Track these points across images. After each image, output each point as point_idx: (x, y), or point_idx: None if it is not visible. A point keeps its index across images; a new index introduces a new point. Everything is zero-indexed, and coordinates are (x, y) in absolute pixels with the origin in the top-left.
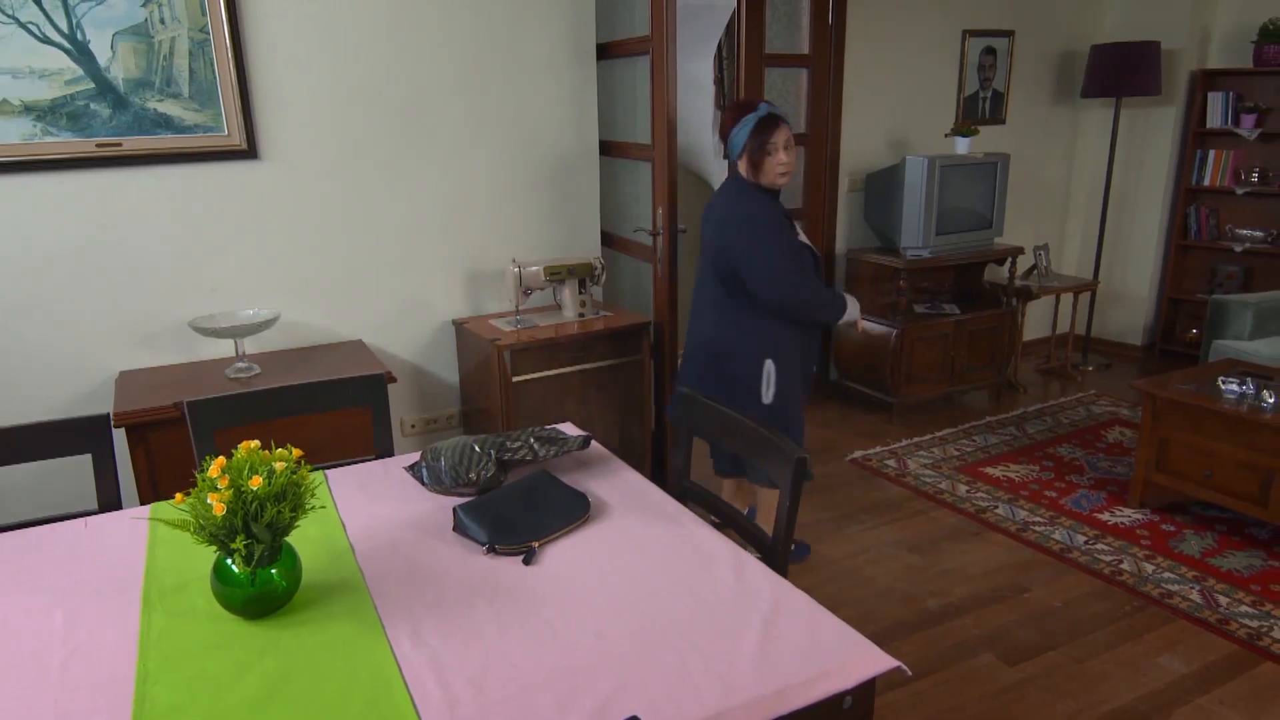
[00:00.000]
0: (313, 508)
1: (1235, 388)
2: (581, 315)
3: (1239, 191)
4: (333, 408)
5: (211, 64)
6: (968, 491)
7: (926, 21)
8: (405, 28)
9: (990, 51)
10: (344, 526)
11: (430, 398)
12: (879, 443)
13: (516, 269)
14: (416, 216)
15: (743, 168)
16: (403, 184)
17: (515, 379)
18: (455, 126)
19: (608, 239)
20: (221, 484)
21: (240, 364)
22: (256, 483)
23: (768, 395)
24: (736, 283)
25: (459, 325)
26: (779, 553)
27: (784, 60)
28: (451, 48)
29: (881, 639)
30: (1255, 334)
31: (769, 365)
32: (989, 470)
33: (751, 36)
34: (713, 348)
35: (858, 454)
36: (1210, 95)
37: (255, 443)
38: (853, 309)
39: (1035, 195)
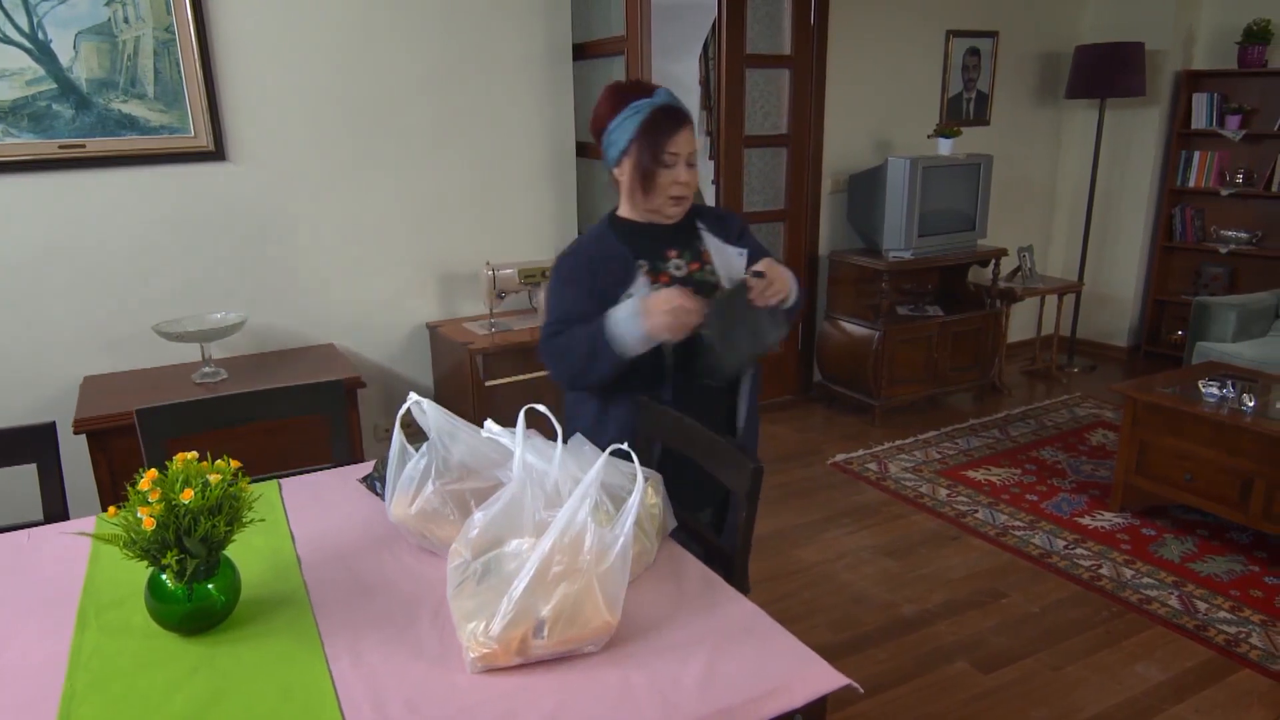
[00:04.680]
0: (251, 521)
1: (1216, 391)
2: None
3: (1224, 193)
4: (290, 415)
5: (177, 64)
6: (948, 495)
7: (909, 22)
8: (375, 27)
9: (974, 52)
10: (293, 538)
11: (403, 401)
12: (861, 445)
13: (490, 272)
14: (388, 218)
15: (621, 181)
16: (374, 185)
17: (488, 383)
18: (428, 127)
19: None
20: (153, 497)
21: (207, 369)
22: (188, 496)
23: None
24: None
25: (433, 329)
26: (737, 566)
27: (765, 61)
28: (423, 47)
29: (856, 646)
30: (1238, 336)
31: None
32: (970, 473)
33: (732, 37)
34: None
35: (839, 457)
36: (1195, 96)
37: (193, 454)
38: (631, 324)
39: (1020, 196)
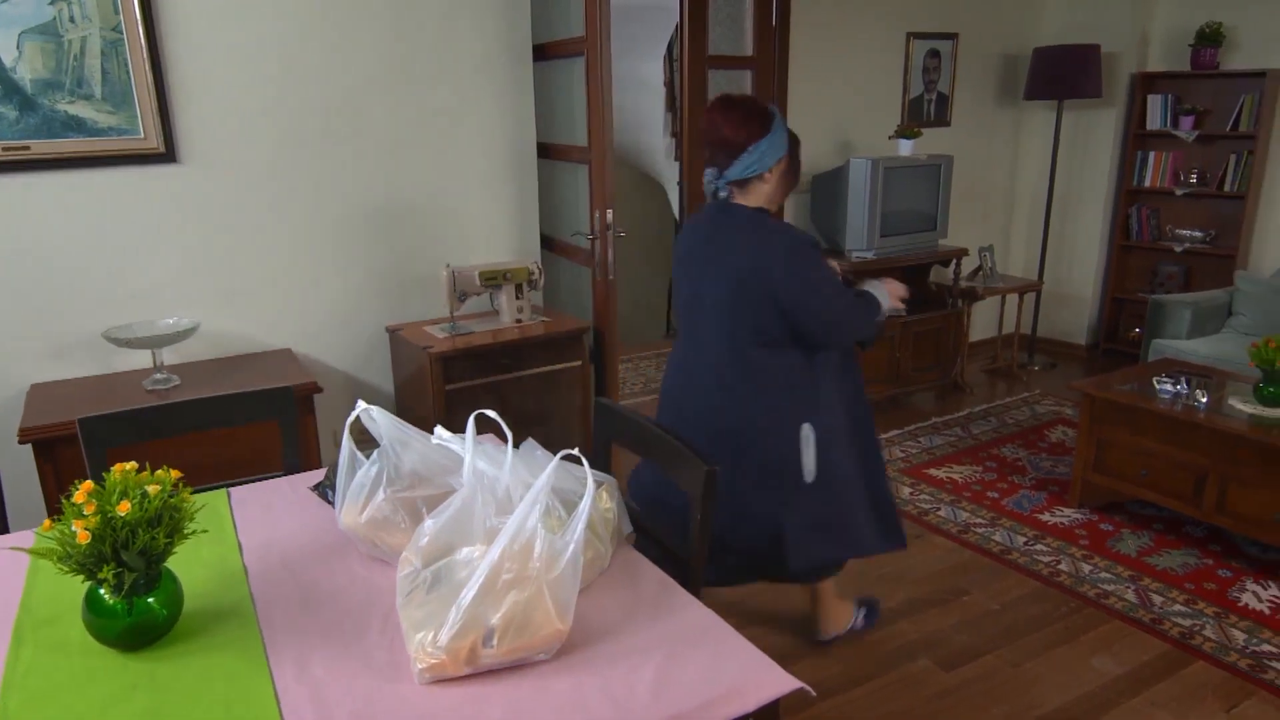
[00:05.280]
0: (193, 532)
1: (1170, 388)
2: (519, 321)
3: (1178, 192)
4: (239, 422)
5: (125, 65)
6: (911, 494)
7: (870, 24)
8: (332, 26)
9: (934, 54)
10: (240, 548)
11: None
12: None
13: (450, 274)
14: (346, 220)
15: (765, 188)
16: (331, 187)
17: (449, 387)
18: (386, 128)
19: (549, 243)
20: (88, 510)
21: (158, 375)
22: (125, 508)
23: (809, 472)
24: (769, 334)
25: (392, 332)
26: (694, 569)
27: (727, 62)
28: (381, 47)
29: (819, 646)
30: (1193, 333)
31: (807, 431)
32: (933, 472)
33: (694, 38)
34: (741, 424)
35: None
36: (1150, 97)
37: (131, 465)
38: (883, 297)
39: (981, 196)
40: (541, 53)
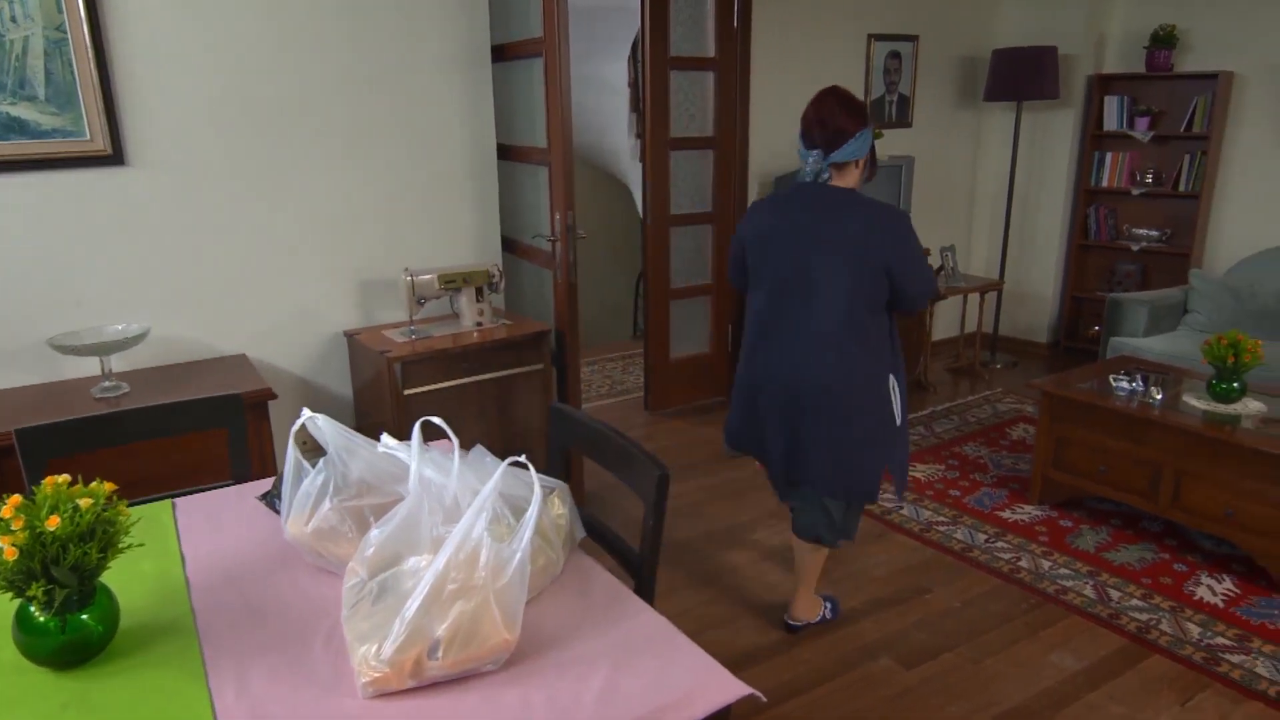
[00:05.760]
0: (129, 546)
1: (1126, 385)
2: (479, 324)
3: (1134, 192)
4: (185, 431)
5: (70, 65)
6: None
7: (832, 25)
8: (285, 25)
9: (895, 56)
10: (183, 561)
11: (322, 412)
12: None
13: (409, 278)
14: (303, 223)
15: (856, 173)
16: (287, 189)
17: (407, 392)
18: (343, 129)
19: (510, 245)
20: (15, 525)
21: (107, 383)
22: (54, 523)
23: (899, 415)
24: (882, 295)
25: (350, 337)
26: (645, 574)
27: (689, 63)
28: (336, 47)
29: (782, 647)
30: (1150, 331)
31: (892, 382)
32: None
33: (655, 39)
34: (849, 381)
35: None
36: (1106, 99)
37: (64, 477)
38: None
39: (942, 197)
40: (501, 53)
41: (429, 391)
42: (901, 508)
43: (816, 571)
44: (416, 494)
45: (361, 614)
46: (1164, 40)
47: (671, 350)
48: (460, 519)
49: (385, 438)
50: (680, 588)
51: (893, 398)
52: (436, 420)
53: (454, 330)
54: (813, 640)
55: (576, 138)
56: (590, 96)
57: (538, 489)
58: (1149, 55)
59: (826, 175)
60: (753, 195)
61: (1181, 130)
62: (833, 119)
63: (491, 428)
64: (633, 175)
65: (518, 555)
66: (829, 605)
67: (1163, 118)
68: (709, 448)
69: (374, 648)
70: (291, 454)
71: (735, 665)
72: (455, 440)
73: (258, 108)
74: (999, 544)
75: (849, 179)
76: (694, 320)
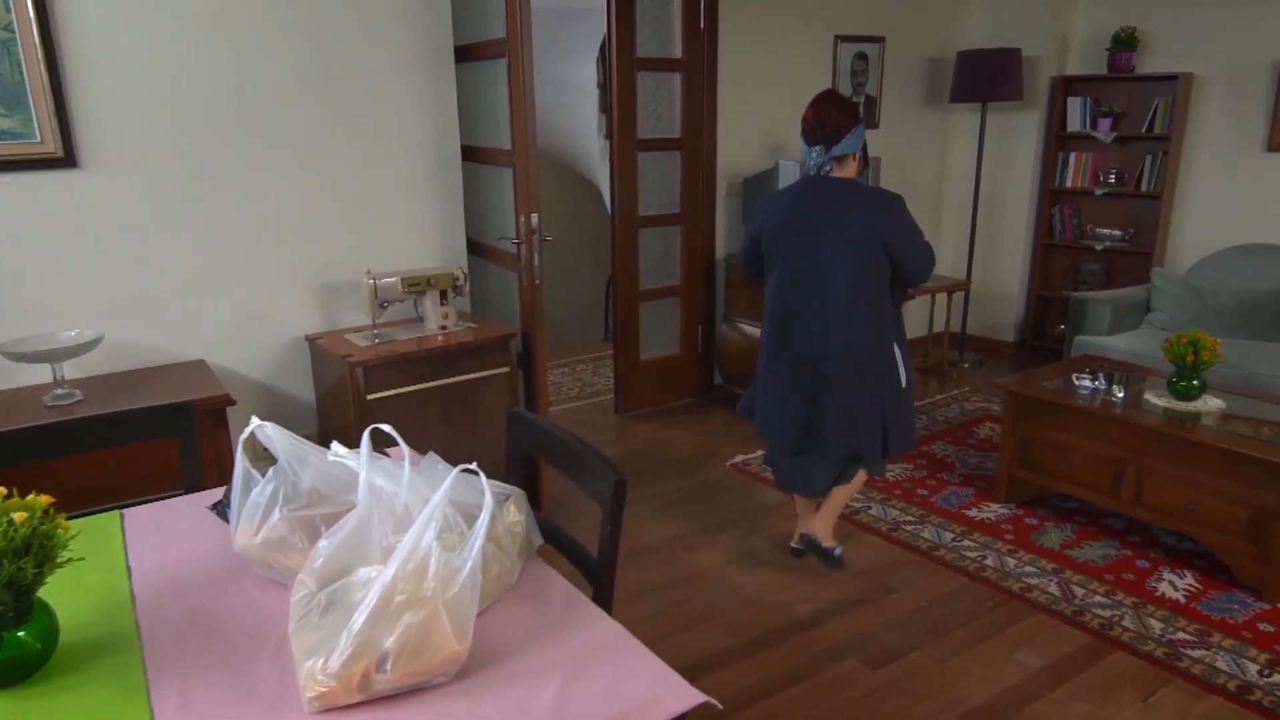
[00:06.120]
0: (68, 560)
1: (1088, 384)
2: (444, 328)
3: (1098, 192)
4: (133, 440)
5: (19, 65)
6: None
7: (798, 27)
8: (241, 25)
9: (862, 57)
10: (129, 573)
11: (285, 419)
12: (759, 446)
13: (371, 281)
14: (262, 226)
15: (853, 165)
16: (245, 191)
17: (370, 396)
18: (302, 130)
19: (476, 247)
20: None
21: (59, 391)
22: None
23: (905, 377)
24: (885, 273)
25: (312, 341)
26: (603, 580)
27: (656, 64)
28: (295, 48)
29: (749, 649)
30: (1113, 329)
31: (897, 350)
32: None
33: (622, 39)
34: (859, 350)
35: (738, 459)
36: (1070, 100)
37: (0, 490)
38: None
39: (909, 197)
40: (464, 54)
41: (392, 396)
42: (870, 507)
43: (841, 506)
44: (366, 503)
45: (309, 626)
46: (1125, 42)
47: (641, 352)
48: (411, 528)
49: (335, 446)
50: (649, 590)
51: (899, 364)
52: (385, 428)
53: (418, 334)
54: (781, 642)
55: (547, 139)
56: (560, 97)
57: (489, 496)
58: (1110, 57)
59: (828, 168)
60: (721, 196)
61: (1143, 131)
62: (831, 118)
63: (457, 432)
64: (603, 176)
65: (468, 565)
66: (838, 548)
67: (1125, 119)
68: (678, 449)
69: (321, 661)
70: (240, 463)
71: (703, 668)
72: (405, 448)
73: (214, 109)
74: (965, 542)
75: (848, 170)
76: (663, 322)
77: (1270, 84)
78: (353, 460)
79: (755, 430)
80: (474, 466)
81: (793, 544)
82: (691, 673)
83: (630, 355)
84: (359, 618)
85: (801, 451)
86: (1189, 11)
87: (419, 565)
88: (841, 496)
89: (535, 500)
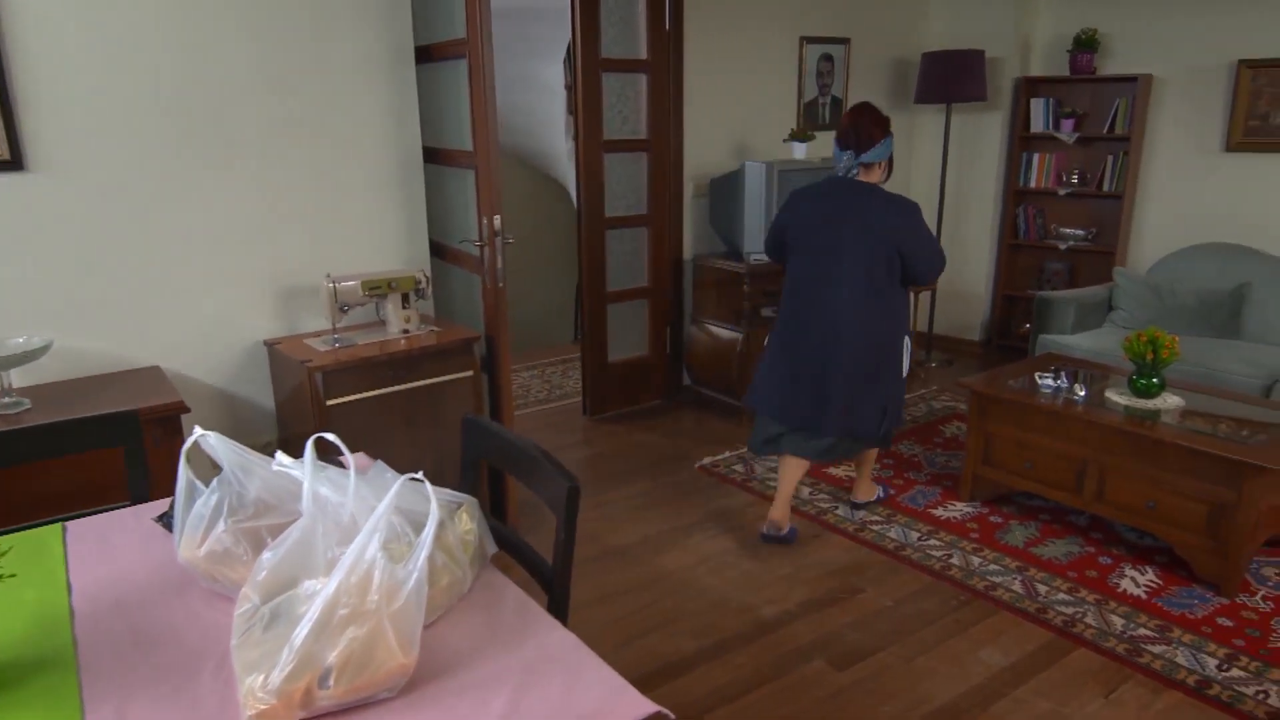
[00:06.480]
0: (0, 577)
1: (1051, 382)
2: (406, 331)
3: (1061, 193)
4: (78, 450)
5: None
6: (810, 493)
7: (764, 28)
8: (196, 26)
9: (828, 58)
10: (69, 588)
11: (244, 424)
12: (728, 448)
13: (331, 284)
14: (219, 229)
15: (879, 172)
16: (201, 195)
17: (330, 402)
18: (260, 132)
19: (440, 250)
20: None
21: (6, 399)
22: None
23: (906, 367)
24: (898, 271)
25: (271, 346)
26: (558, 588)
27: (622, 65)
28: (252, 47)
29: (716, 652)
30: (1077, 328)
31: (906, 341)
32: (832, 470)
33: (587, 40)
34: (875, 339)
35: (706, 460)
36: (1033, 101)
37: None
38: None
39: None
40: (426, 54)
41: (354, 401)
42: (837, 508)
43: (870, 464)
44: (311, 514)
45: (252, 642)
46: (1086, 44)
47: (610, 354)
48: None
49: (280, 455)
50: (617, 593)
51: (904, 354)
52: (330, 437)
53: (380, 338)
54: (747, 645)
55: (516, 140)
56: (529, 98)
57: (434, 506)
58: (1072, 58)
59: (855, 171)
60: (688, 197)
61: (1104, 132)
62: (865, 128)
63: (420, 437)
64: (571, 177)
65: (414, 576)
66: (882, 489)
67: (1087, 119)
68: (646, 452)
69: (262, 678)
70: (182, 474)
71: (670, 671)
72: (350, 457)
73: (168, 110)
74: (931, 541)
75: (873, 176)
76: (632, 324)
77: (1228, 85)
78: (297, 470)
79: (752, 405)
80: (420, 475)
81: (763, 530)
82: (659, 676)
83: (598, 357)
84: (300, 632)
85: (800, 429)
86: (1148, 14)
87: (363, 578)
88: (865, 460)
89: (501, 508)
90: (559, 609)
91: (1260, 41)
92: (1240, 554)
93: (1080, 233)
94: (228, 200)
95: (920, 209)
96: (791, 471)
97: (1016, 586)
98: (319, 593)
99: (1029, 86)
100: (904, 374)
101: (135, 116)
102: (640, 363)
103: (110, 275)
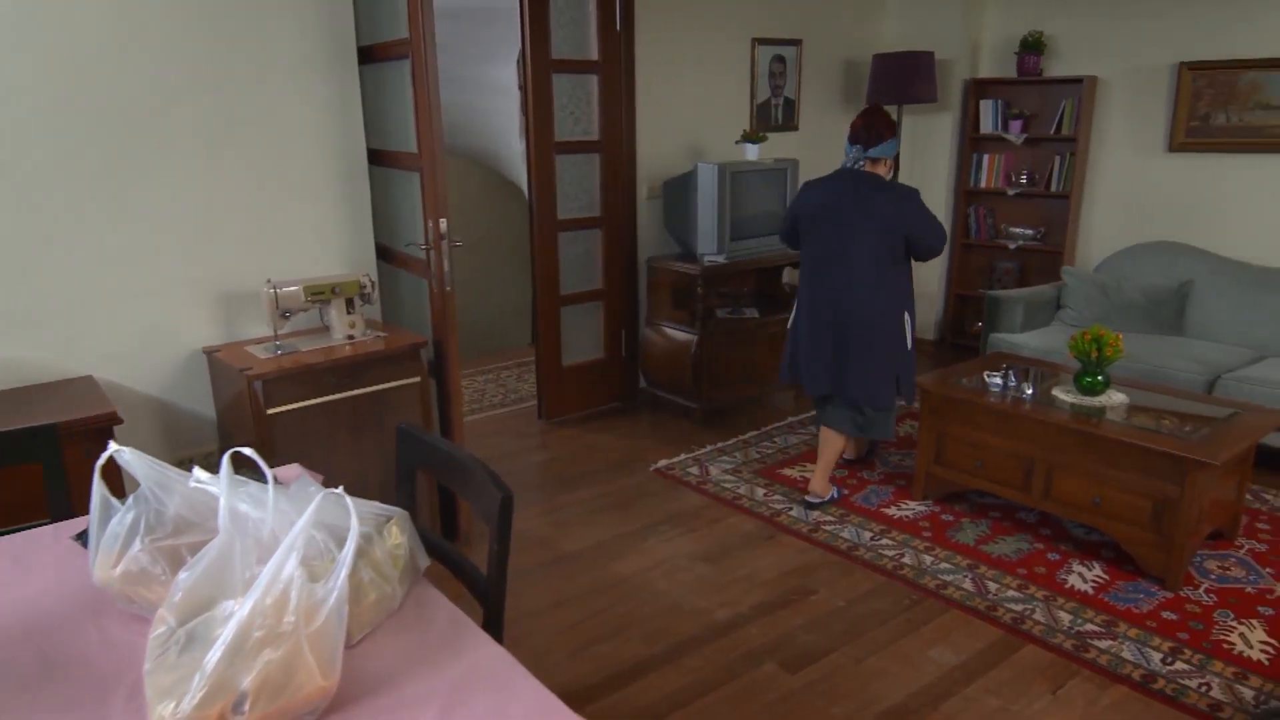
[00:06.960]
0: None
1: (999, 381)
2: (351, 337)
3: (1010, 193)
4: None
5: None
6: (765, 495)
7: (716, 29)
8: (128, 24)
9: (780, 60)
10: None
11: (183, 435)
12: (683, 450)
13: (271, 290)
14: (154, 233)
15: (884, 168)
16: (133, 198)
17: (271, 411)
18: (196, 132)
19: (387, 254)
20: None
21: None
22: None
23: (910, 342)
24: (901, 253)
25: (210, 354)
26: (492, 602)
27: (572, 66)
28: (185, 47)
29: (669, 656)
30: (1026, 326)
31: (907, 318)
32: (786, 471)
33: (536, 41)
34: (875, 315)
35: (661, 463)
36: (982, 102)
37: None
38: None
39: None
40: (369, 54)
41: (297, 410)
42: (791, 509)
43: (833, 460)
44: (228, 531)
45: (166, 666)
46: (1033, 46)
47: (564, 357)
48: (271, 558)
49: (197, 470)
50: (568, 600)
51: (906, 329)
52: (248, 451)
53: (324, 344)
54: (700, 649)
55: (470, 141)
56: (483, 99)
57: (355, 521)
58: (1020, 60)
59: (862, 164)
60: (642, 199)
61: (1052, 132)
62: (875, 126)
63: (366, 446)
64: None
65: (334, 594)
66: (835, 489)
67: (1034, 120)
68: (602, 455)
69: (173, 705)
70: (96, 491)
71: (623, 678)
72: (269, 472)
73: (99, 111)
74: (884, 541)
75: (879, 170)
76: (586, 326)
77: (1170, 87)
78: (215, 486)
79: (784, 379)
80: (339, 490)
81: (805, 499)
82: (612, 682)
83: (553, 360)
84: (213, 656)
85: (826, 398)
86: (1092, 16)
87: (279, 598)
88: (829, 452)
89: (453, 518)
90: (494, 624)
91: (1201, 44)
92: (1184, 548)
93: (1029, 232)
94: (164, 203)
95: (919, 193)
96: (830, 444)
97: (967, 585)
98: (235, 614)
99: (978, 88)
100: (910, 346)
101: (64, 117)
102: (596, 365)
103: (40, 281)
